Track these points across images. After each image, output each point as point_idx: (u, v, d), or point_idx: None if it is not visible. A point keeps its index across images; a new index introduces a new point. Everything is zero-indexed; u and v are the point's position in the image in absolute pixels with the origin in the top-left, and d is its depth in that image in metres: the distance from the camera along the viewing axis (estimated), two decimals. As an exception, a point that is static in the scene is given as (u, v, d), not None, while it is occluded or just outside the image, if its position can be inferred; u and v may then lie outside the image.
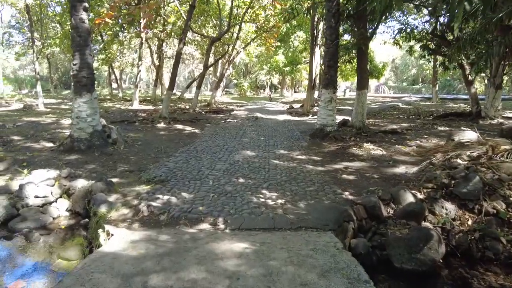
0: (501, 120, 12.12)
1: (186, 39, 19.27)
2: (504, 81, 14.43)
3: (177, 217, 4.17)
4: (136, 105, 20.72)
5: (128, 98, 27.35)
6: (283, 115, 15.76)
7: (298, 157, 7.52)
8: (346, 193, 5.24)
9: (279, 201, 4.77)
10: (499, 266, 4.39)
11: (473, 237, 4.56)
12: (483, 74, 15.23)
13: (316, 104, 18.99)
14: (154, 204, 4.53)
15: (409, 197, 4.98)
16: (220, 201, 4.68)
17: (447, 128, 10.55)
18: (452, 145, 6.57)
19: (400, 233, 4.60)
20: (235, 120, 13.80)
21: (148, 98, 27.89)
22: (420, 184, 5.37)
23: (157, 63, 29.60)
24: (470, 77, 13.44)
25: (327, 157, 7.47)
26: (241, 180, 5.68)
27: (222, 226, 3.97)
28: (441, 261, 4.36)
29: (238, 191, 5.09)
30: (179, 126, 12.02)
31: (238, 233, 3.72)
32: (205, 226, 3.99)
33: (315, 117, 11.41)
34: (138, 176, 5.88)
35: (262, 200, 4.77)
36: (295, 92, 39.62)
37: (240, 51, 24.63)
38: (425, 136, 9.55)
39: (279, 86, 40.79)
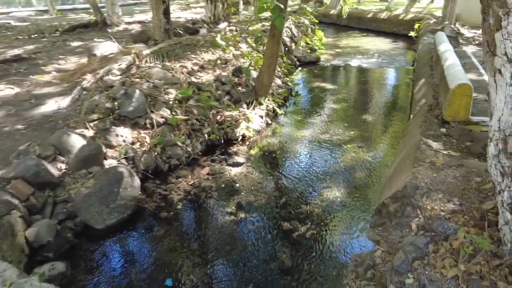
0: (126, 26, 12.39)
1: None
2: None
3: None
4: None
5: None
6: None
7: None
8: (-14, 170, 3.43)
9: None
10: (185, 168, 4.59)
11: (156, 153, 4.39)
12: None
13: None
14: None
15: (77, 141, 3.92)
16: None
17: (81, 43, 9.41)
18: (97, 61, 5.74)
19: (86, 188, 3.64)
20: None
21: None
22: (82, 118, 4.37)
23: None
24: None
25: None
26: None
27: None
28: (140, 192, 3.96)
29: None
30: None
31: None
32: None
33: None
34: None
35: None
36: None
37: None
38: (61, 56, 8.01)
39: None
